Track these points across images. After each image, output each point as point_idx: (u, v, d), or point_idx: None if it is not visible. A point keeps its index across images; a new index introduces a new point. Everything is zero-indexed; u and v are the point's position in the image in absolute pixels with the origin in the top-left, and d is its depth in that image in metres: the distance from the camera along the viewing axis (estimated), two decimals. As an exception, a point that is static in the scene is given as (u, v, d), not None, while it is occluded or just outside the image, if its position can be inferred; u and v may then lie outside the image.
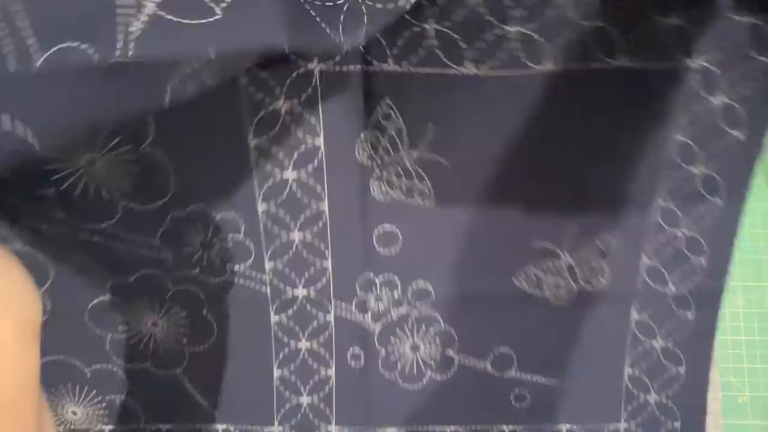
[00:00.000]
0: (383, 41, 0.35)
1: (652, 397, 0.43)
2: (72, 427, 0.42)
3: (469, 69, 0.35)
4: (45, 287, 0.39)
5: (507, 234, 0.40)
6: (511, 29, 0.33)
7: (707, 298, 0.41)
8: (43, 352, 0.37)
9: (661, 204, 0.39)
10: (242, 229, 0.39)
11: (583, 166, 0.38)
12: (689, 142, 0.38)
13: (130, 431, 0.43)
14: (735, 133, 0.37)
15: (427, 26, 0.35)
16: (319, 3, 0.29)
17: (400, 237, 0.40)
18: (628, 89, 0.36)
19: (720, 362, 0.45)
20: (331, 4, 0.30)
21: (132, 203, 0.38)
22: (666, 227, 0.40)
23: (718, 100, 0.37)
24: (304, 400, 0.42)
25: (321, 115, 0.37)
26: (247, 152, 0.37)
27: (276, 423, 0.43)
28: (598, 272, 0.40)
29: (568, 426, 0.43)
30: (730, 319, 0.46)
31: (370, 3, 0.31)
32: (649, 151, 0.38)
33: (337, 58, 0.36)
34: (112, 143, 0.36)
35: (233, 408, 0.42)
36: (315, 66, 0.35)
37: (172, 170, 0.37)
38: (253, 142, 0.37)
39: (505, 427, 0.43)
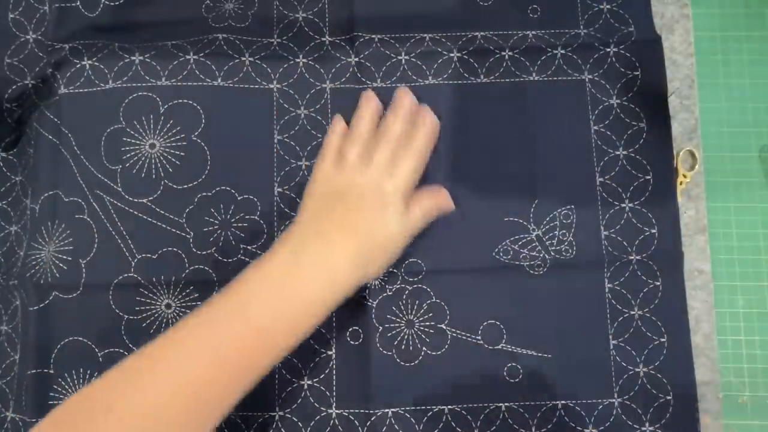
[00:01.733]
0: (372, 68, 0.47)
1: (641, 370, 0.44)
2: (75, 417, 0.43)
3: (429, 81, 0.47)
4: (87, 259, 0.44)
5: (481, 211, 0.46)
6: (455, 55, 0.48)
7: (668, 264, 0.45)
8: (66, 331, 0.41)
9: (600, 180, 0.46)
10: (258, 211, 0.45)
11: (531, 150, 0.46)
12: (606, 132, 0.47)
13: (132, 421, 0.43)
14: (639, 124, 0.47)
15: (400, 57, 0.48)
16: None
17: None
18: (549, 96, 0.47)
19: (720, 362, 0.45)
20: None
21: (171, 182, 0.45)
22: (612, 201, 0.46)
23: (612, 101, 0.47)
24: (305, 382, 0.44)
25: (330, 118, 0.47)
26: (272, 146, 0.46)
27: (277, 408, 0.43)
28: (566, 243, 0.46)
29: (563, 402, 0.44)
30: (730, 319, 0.47)
31: None
32: (576, 139, 0.47)
33: (342, 79, 0.47)
34: (173, 131, 0.46)
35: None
36: (327, 85, 0.47)
37: (209, 157, 0.46)
38: (277, 138, 0.46)
39: (501, 405, 0.44)
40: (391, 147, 0.41)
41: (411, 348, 0.44)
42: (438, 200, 0.43)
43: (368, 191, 0.40)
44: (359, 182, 0.40)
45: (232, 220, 0.45)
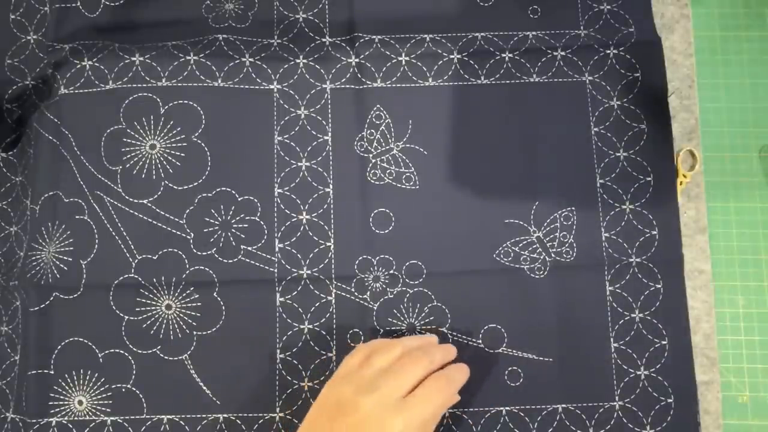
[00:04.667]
0: (373, 68, 0.47)
1: (642, 372, 0.44)
2: (75, 418, 0.43)
3: (430, 83, 0.47)
4: (88, 260, 0.44)
5: (482, 213, 0.46)
6: (455, 57, 0.48)
7: (669, 267, 0.45)
8: (67, 332, 0.41)
9: (601, 182, 0.46)
10: (259, 211, 0.45)
11: (531, 152, 0.46)
12: (607, 134, 0.47)
13: (132, 422, 0.43)
14: (640, 126, 0.47)
15: (400, 58, 0.48)
16: None
17: (393, 218, 0.46)
18: (550, 97, 0.47)
19: (720, 362, 0.45)
20: None
21: (171, 183, 0.45)
22: (612, 203, 0.46)
23: (613, 102, 0.47)
24: (306, 384, 0.44)
25: (330, 118, 0.47)
26: (272, 146, 0.46)
27: (277, 409, 0.43)
28: (566, 244, 0.46)
29: (563, 406, 0.44)
30: (730, 319, 0.46)
31: None
32: (576, 141, 0.47)
33: (342, 80, 0.47)
34: (173, 132, 0.46)
35: (236, 395, 0.43)
36: (327, 85, 0.47)
37: (209, 158, 0.46)
38: (278, 138, 0.46)
39: (502, 409, 0.44)
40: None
41: None
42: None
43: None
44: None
45: (233, 220, 0.45)
